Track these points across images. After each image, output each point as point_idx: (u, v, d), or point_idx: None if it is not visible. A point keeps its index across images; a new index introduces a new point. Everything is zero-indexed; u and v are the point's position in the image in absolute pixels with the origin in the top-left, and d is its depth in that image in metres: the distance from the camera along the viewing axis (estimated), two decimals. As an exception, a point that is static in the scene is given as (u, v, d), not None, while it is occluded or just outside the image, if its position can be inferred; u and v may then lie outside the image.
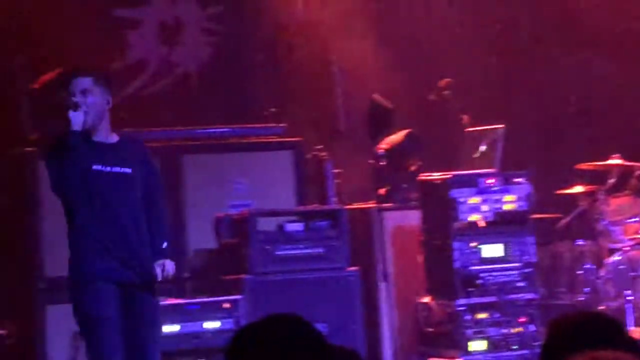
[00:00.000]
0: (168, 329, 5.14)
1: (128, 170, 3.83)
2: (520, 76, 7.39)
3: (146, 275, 3.82)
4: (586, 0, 7.24)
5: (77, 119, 3.69)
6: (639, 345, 1.59)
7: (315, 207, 5.99)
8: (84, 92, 3.73)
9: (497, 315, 5.63)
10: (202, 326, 5.34)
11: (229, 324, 5.33)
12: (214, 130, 6.07)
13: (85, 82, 3.79)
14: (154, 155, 4.51)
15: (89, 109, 3.71)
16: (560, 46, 7.22)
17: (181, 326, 5.30)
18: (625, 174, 6.47)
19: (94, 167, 3.75)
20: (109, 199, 3.75)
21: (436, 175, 5.81)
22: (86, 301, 3.72)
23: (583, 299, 5.99)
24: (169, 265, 3.90)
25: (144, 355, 3.91)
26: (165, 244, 4.01)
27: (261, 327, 1.55)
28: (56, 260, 4.93)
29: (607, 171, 6.40)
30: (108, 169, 3.80)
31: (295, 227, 5.62)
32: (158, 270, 3.85)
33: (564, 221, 6.57)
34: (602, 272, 6.10)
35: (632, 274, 6.02)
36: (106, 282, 3.74)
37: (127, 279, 3.78)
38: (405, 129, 6.08)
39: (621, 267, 6.09)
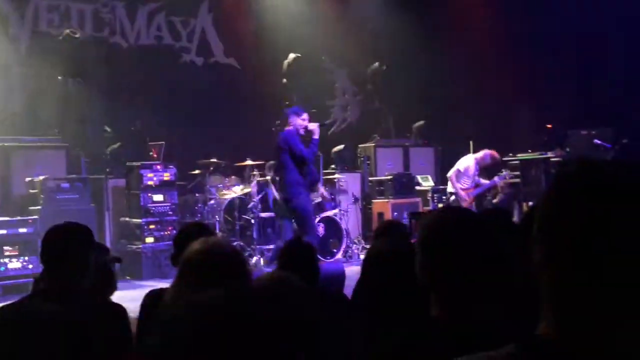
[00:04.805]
0: (1, 232, 8.29)
1: None
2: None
3: None
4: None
5: None
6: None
7: (75, 176, 9.10)
8: None
9: (159, 225, 9.14)
10: (18, 231, 8.31)
11: (32, 230, 8.27)
12: (37, 138, 9.46)
13: None
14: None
15: None
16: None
17: (7, 230, 8.19)
18: (219, 165, 10.48)
19: None
20: None
21: (135, 163, 9.37)
22: None
23: (197, 219, 9.41)
24: None
25: None
26: None
27: (59, 227, 2.79)
28: None
29: (209, 164, 10.23)
30: None
31: (66, 185, 8.83)
32: None
33: (190, 186, 10.58)
34: (206, 208, 10.01)
35: (219, 209, 10.35)
36: None
37: None
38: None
39: (215, 206, 10.08)
